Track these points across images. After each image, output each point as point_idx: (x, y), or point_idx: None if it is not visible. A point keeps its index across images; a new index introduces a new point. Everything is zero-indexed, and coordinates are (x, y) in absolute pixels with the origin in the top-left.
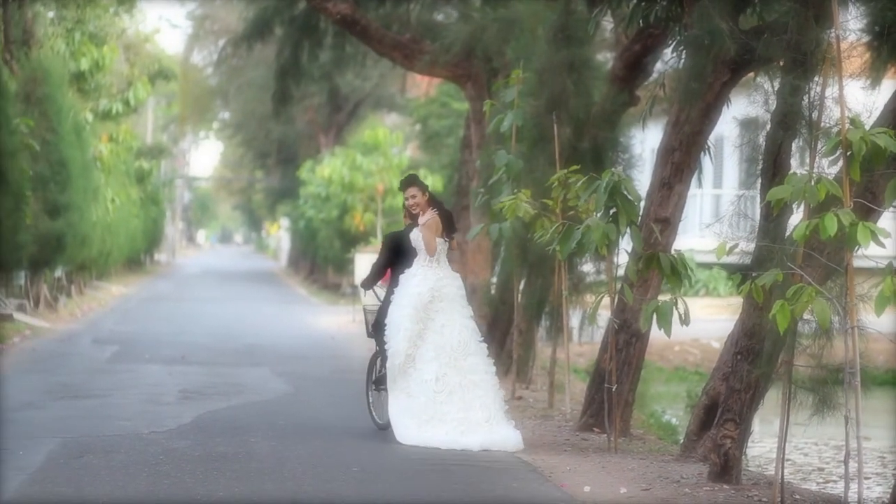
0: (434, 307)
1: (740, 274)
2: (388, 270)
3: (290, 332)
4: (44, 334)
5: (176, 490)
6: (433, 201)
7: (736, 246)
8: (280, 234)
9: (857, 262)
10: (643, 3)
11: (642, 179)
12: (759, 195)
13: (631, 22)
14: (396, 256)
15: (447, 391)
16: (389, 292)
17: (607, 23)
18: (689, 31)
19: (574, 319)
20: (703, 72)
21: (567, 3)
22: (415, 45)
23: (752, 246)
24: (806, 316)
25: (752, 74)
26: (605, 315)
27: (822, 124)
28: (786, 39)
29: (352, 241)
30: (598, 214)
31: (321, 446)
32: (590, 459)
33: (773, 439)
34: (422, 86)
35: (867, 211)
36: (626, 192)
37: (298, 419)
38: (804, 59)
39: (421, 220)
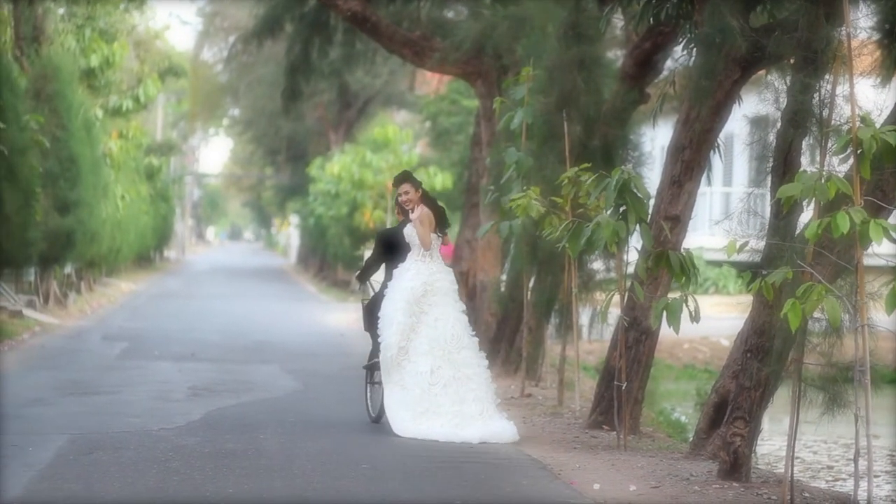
0: (427, 301)
1: (750, 272)
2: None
3: (300, 329)
4: (53, 331)
5: (185, 487)
6: (426, 198)
7: (746, 244)
8: (290, 231)
9: (867, 261)
10: (653, 1)
11: (652, 177)
12: (769, 193)
13: (641, 19)
14: (389, 252)
15: (441, 384)
16: (383, 287)
17: (617, 20)
18: (700, 29)
19: (584, 317)
20: (713, 70)
21: (577, 1)
22: (425, 43)
23: (762, 244)
24: (816, 314)
25: (762, 72)
26: (614, 312)
27: (833, 122)
28: (796, 37)
29: (361, 238)
30: (608, 212)
31: (330, 443)
32: (599, 457)
33: (783, 437)
34: (431, 83)
35: (877, 209)
36: (635, 190)
37: (308, 416)
38: (815, 57)
39: (413, 215)
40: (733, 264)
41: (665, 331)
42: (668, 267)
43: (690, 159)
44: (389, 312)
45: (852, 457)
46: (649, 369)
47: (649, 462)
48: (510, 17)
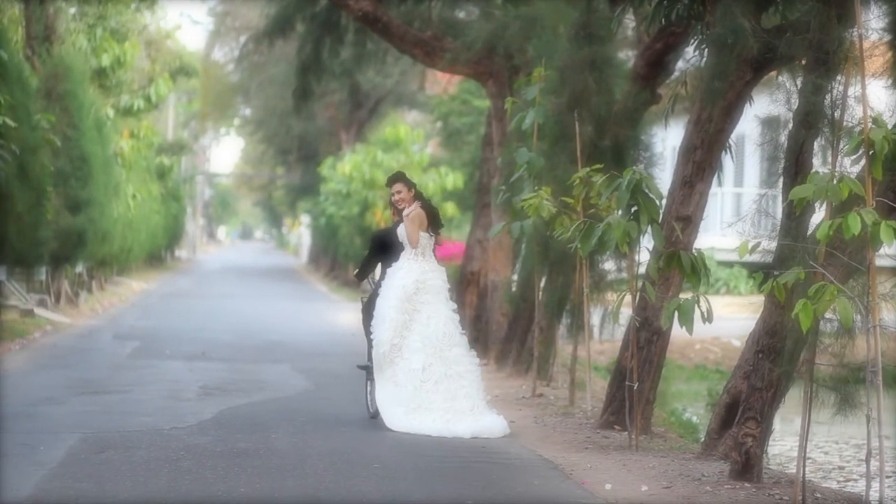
0: (419, 299)
1: (762, 272)
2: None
3: (311, 329)
4: (64, 330)
5: (197, 486)
6: (419, 197)
7: (758, 245)
8: (300, 230)
9: (879, 261)
10: (665, 2)
11: (664, 178)
12: (780, 194)
13: (653, 20)
14: (384, 251)
15: (433, 380)
16: (378, 285)
17: (629, 21)
18: (712, 30)
19: (595, 317)
20: (725, 70)
21: (589, 1)
22: (436, 43)
23: (774, 244)
24: (828, 315)
25: (774, 73)
26: (626, 313)
27: (845, 123)
28: (808, 38)
29: None
30: (620, 212)
31: (342, 443)
32: (611, 457)
33: (794, 438)
34: (441, 83)
35: (889, 210)
36: (647, 191)
37: (319, 415)
38: (827, 57)
39: (405, 213)
40: (745, 265)
41: (676, 331)
42: (680, 267)
43: (702, 160)
44: (382, 310)
45: (864, 457)
46: (661, 369)
47: (661, 462)
48: (521, 18)
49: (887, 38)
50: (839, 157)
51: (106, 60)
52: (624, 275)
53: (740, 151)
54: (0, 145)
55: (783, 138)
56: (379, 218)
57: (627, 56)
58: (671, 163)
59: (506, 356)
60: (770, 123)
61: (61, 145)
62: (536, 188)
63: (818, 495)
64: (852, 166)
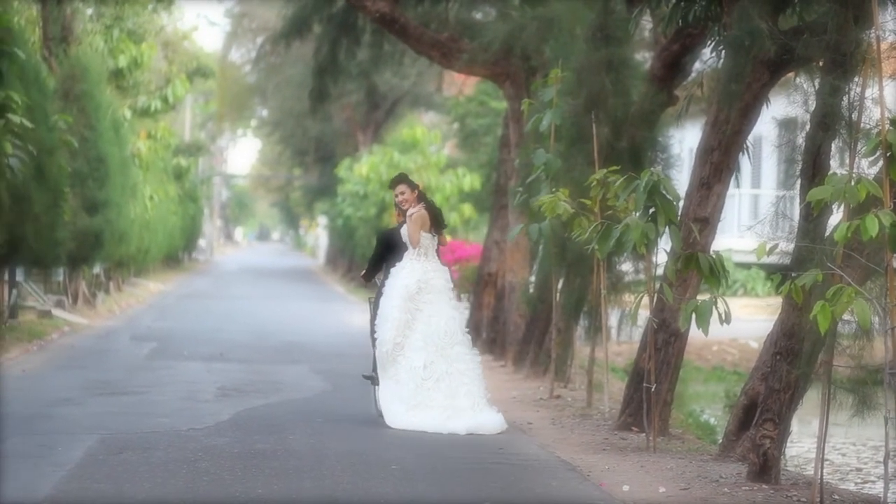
0: (422, 298)
1: (780, 274)
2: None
3: (328, 330)
4: (82, 331)
5: (214, 487)
6: (422, 198)
7: (776, 246)
8: (318, 231)
9: None
10: (682, 3)
11: (681, 179)
12: (798, 196)
13: (670, 21)
14: (389, 251)
15: (434, 378)
16: (382, 284)
17: (646, 22)
18: (729, 32)
19: (612, 318)
20: (742, 72)
21: (606, 3)
22: (453, 44)
23: (791, 246)
24: (846, 316)
25: (791, 75)
26: (643, 314)
27: (862, 125)
28: (825, 40)
29: None
30: (638, 214)
31: (360, 444)
32: (628, 459)
33: (812, 439)
34: (458, 84)
35: None
36: (664, 192)
37: (337, 417)
38: (844, 59)
39: (407, 214)
40: (762, 266)
41: (694, 333)
42: (698, 269)
43: (719, 161)
44: (386, 309)
45: (882, 459)
46: (678, 371)
47: (678, 464)
48: (538, 19)
49: None
50: (857, 159)
51: (123, 61)
52: (641, 276)
53: (757, 153)
54: (17, 146)
55: (800, 140)
56: (395, 219)
57: (644, 57)
58: (688, 164)
59: (523, 357)
60: (787, 125)
61: (79, 146)
62: (554, 189)
63: (836, 497)
64: (870, 168)
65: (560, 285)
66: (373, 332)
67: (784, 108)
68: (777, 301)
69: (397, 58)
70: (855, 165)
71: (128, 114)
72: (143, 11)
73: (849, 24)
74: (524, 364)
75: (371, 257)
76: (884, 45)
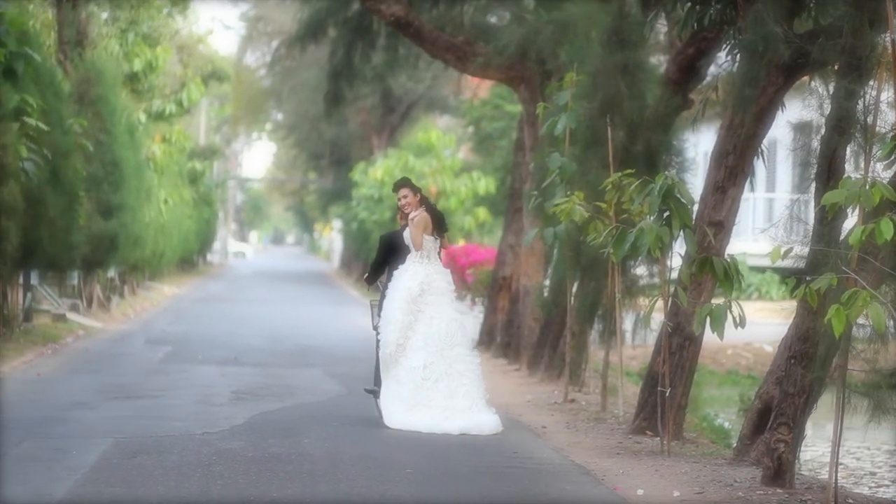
0: (424, 300)
1: (794, 278)
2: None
3: (343, 334)
4: (97, 334)
5: (229, 491)
6: (424, 202)
7: (790, 250)
8: (332, 235)
9: None
10: (697, 7)
11: (696, 183)
12: (812, 199)
13: (685, 25)
14: (391, 254)
15: (433, 378)
16: (385, 287)
17: (661, 26)
18: (743, 35)
19: (627, 322)
20: (756, 76)
21: (621, 6)
22: (468, 48)
23: (806, 250)
24: (860, 320)
25: (806, 78)
26: (658, 318)
27: (877, 128)
28: (841, 43)
29: None
30: (652, 217)
31: (374, 448)
32: (643, 463)
33: (826, 443)
34: (472, 88)
35: None
36: (679, 196)
37: (351, 420)
38: (859, 63)
39: (409, 217)
40: (777, 270)
41: (708, 337)
42: (712, 273)
43: (734, 165)
44: (389, 311)
45: None
46: (693, 375)
47: (693, 468)
48: (553, 22)
49: None
50: (871, 163)
51: (138, 65)
52: (656, 280)
53: (772, 157)
54: (33, 150)
55: (815, 144)
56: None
57: (659, 61)
58: (703, 168)
59: (537, 361)
60: (802, 129)
61: (93, 150)
62: (568, 193)
63: (850, 501)
64: (884, 171)
65: (574, 289)
66: (377, 334)
67: (799, 112)
68: (791, 305)
69: (412, 61)
70: (870, 169)
71: (143, 117)
72: (158, 15)
73: (864, 28)
74: (538, 368)
75: (374, 260)
76: None
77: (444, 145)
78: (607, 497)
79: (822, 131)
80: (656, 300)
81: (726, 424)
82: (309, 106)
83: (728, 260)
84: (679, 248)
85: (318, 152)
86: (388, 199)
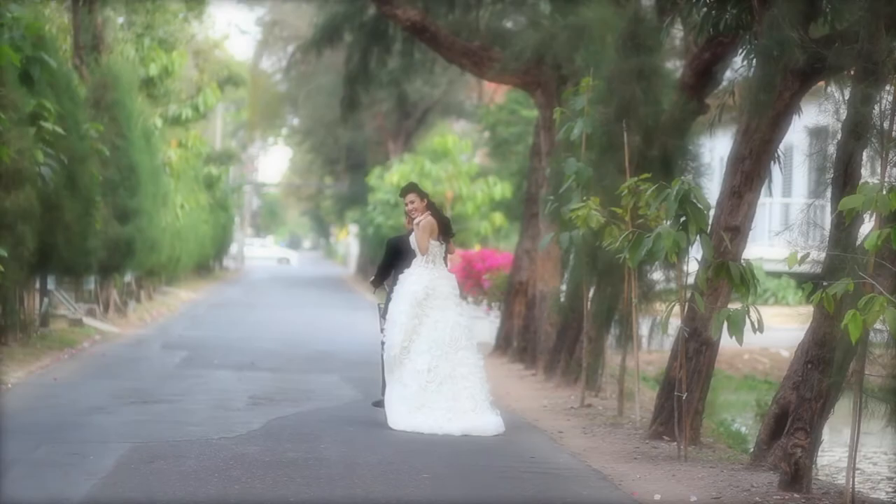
0: (429, 304)
1: (811, 283)
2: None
3: (360, 339)
4: (113, 339)
5: (246, 496)
6: (431, 207)
7: (807, 255)
8: (348, 240)
9: None
10: (713, 12)
11: (712, 188)
12: (829, 204)
13: (701, 30)
14: (397, 258)
15: (438, 381)
16: (390, 290)
17: (677, 31)
18: (759, 40)
19: (643, 327)
20: (772, 81)
21: (637, 11)
22: (484, 53)
23: (822, 255)
24: (877, 325)
25: (822, 84)
26: (674, 323)
27: (894, 133)
28: (857, 48)
29: None
30: (669, 222)
31: (391, 452)
32: (660, 467)
33: (843, 448)
34: (489, 93)
35: None
36: (695, 201)
37: (368, 425)
38: (875, 68)
39: (415, 222)
40: (793, 275)
41: (725, 341)
42: (729, 277)
43: (750, 170)
44: (394, 315)
45: None
46: (709, 380)
47: (710, 473)
48: (569, 28)
49: None
50: (888, 168)
51: (154, 70)
52: (672, 285)
53: (788, 162)
54: (49, 154)
55: (832, 149)
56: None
57: (675, 66)
58: (719, 173)
59: (554, 366)
60: (818, 134)
61: (110, 155)
62: (585, 198)
63: None
64: None
65: (591, 294)
66: (383, 337)
67: (815, 117)
68: (808, 310)
69: (428, 66)
70: (886, 174)
71: (159, 122)
72: (174, 20)
73: (880, 33)
74: (555, 373)
75: (380, 264)
76: None
77: (460, 150)
78: (624, 502)
79: (839, 136)
80: (673, 305)
81: (743, 429)
82: (325, 111)
83: (744, 265)
84: (695, 254)
85: (334, 157)
86: (403, 203)
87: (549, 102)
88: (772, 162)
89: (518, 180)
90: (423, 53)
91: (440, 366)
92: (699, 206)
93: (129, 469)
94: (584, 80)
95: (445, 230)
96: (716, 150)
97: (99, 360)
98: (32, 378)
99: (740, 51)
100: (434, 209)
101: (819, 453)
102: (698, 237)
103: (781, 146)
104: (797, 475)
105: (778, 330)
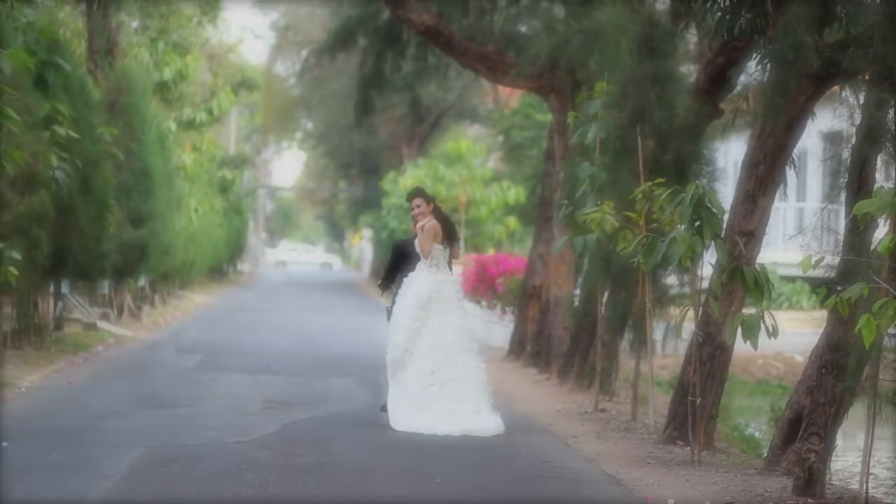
0: (432, 307)
1: (825, 287)
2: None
3: (374, 343)
4: (127, 343)
5: (260, 500)
6: (436, 211)
7: (821, 260)
8: (362, 244)
9: None
10: (727, 16)
11: (726, 192)
12: (843, 209)
13: (715, 35)
14: (403, 261)
15: (440, 383)
16: (395, 293)
17: (691, 35)
18: (774, 45)
19: (657, 332)
20: (787, 86)
21: (651, 16)
22: (498, 57)
23: (836, 259)
24: (892, 330)
25: (836, 88)
26: (688, 327)
27: None
28: (871, 53)
29: None
30: (683, 227)
31: (405, 457)
32: (673, 472)
33: (857, 453)
34: (503, 97)
35: None
36: (710, 205)
37: (382, 430)
38: (890, 72)
39: (419, 226)
40: (807, 280)
41: (738, 346)
42: (743, 282)
43: (765, 175)
44: (398, 317)
45: None
46: (723, 384)
47: (724, 477)
48: (584, 32)
49: None
50: None
51: (168, 74)
52: (687, 289)
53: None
54: (63, 158)
55: (846, 153)
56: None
57: (689, 70)
58: (733, 177)
59: (568, 370)
60: (833, 138)
61: (124, 158)
62: (599, 202)
63: None
64: None
65: (605, 298)
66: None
67: (829, 122)
68: (822, 315)
69: (442, 71)
70: None
71: (173, 126)
72: (188, 24)
73: (895, 37)
74: (569, 377)
75: (386, 267)
76: None
77: (474, 155)
78: None
79: (853, 141)
80: (687, 310)
81: (757, 434)
82: (338, 115)
83: (759, 269)
84: (710, 258)
85: (348, 161)
86: None
87: (563, 107)
88: (786, 166)
89: (532, 184)
90: (436, 58)
91: (442, 368)
92: (714, 210)
93: (144, 473)
94: (598, 84)
95: (450, 235)
96: (730, 155)
97: (113, 364)
98: (47, 382)
99: (755, 55)
100: (439, 213)
101: (833, 458)
102: (713, 242)
103: (796, 150)
104: (811, 480)
105: (792, 334)
